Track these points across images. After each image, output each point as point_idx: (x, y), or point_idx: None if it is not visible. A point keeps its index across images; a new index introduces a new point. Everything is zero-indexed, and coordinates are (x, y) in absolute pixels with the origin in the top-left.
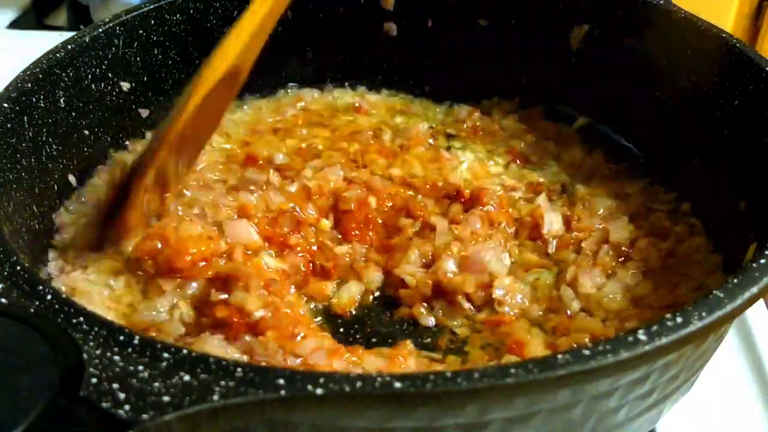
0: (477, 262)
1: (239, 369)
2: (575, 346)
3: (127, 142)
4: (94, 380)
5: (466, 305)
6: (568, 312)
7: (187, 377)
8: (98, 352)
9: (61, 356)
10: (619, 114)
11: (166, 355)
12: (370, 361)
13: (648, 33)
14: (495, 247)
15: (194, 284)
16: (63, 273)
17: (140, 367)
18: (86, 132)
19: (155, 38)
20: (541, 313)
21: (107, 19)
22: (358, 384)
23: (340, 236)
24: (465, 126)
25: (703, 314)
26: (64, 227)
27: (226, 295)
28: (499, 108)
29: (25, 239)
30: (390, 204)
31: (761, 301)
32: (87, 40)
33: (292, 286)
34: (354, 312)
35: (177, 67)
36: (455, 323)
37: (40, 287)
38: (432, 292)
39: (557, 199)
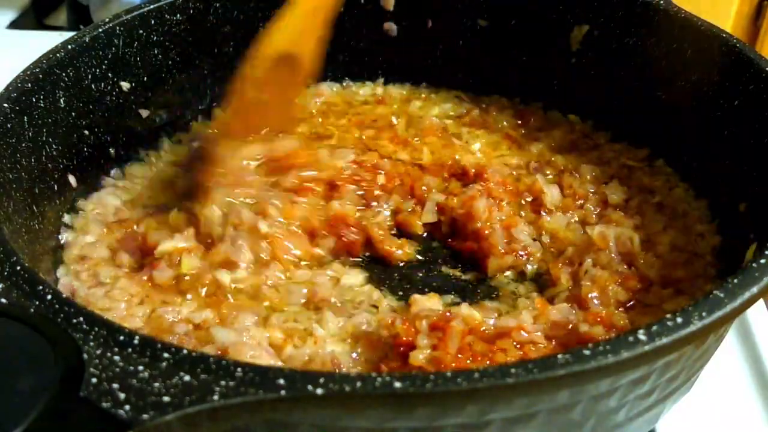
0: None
1: (239, 369)
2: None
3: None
4: (94, 380)
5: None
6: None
7: (187, 377)
8: (98, 352)
9: (61, 356)
10: (619, 114)
11: (166, 355)
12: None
13: (648, 33)
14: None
15: None
16: (74, 293)
17: (140, 367)
18: (86, 132)
19: (155, 38)
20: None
21: (107, 19)
22: (358, 384)
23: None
24: (464, 120)
25: (703, 314)
26: (69, 245)
27: None
28: (498, 106)
29: (25, 239)
30: (399, 183)
31: (761, 301)
32: (87, 40)
33: None
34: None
35: (177, 67)
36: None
37: (40, 287)
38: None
39: (549, 173)
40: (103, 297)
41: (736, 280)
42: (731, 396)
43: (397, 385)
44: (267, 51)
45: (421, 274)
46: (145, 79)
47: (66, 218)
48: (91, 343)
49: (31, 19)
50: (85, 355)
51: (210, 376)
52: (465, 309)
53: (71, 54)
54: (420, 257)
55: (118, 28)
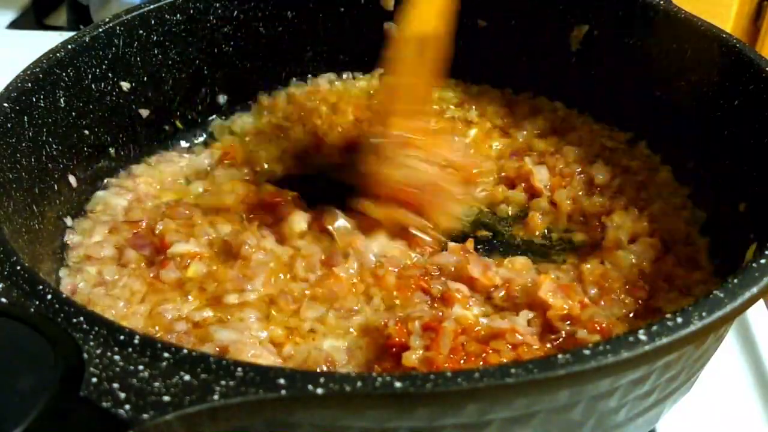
0: None
1: (239, 369)
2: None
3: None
4: (94, 380)
5: None
6: None
7: (187, 377)
8: (98, 351)
9: (61, 356)
10: (619, 114)
11: (166, 354)
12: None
13: (648, 33)
14: None
15: None
16: (75, 292)
17: (140, 367)
18: (86, 132)
19: (155, 38)
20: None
21: (107, 19)
22: (358, 384)
23: None
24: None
25: (703, 314)
26: (74, 246)
27: None
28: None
29: (25, 239)
30: None
31: (761, 301)
32: (87, 40)
33: None
34: None
35: (177, 67)
36: None
37: (40, 287)
38: None
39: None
40: (104, 296)
41: (736, 280)
42: (731, 396)
43: (397, 385)
44: (409, 33)
45: None
46: (145, 79)
47: (69, 221)
48: (91, 343)
49: (31, 19)
50: (85, 355)
51: (210, 375)
52: (458, 310)
53: (71, 54)
54: None
55: (118, 28)
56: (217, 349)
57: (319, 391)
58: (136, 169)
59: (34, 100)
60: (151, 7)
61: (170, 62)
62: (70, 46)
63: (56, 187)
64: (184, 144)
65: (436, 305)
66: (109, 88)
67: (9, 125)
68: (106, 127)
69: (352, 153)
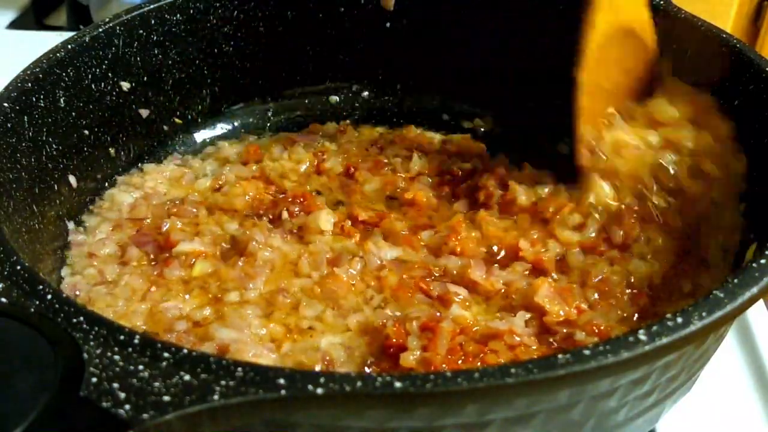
0: None
1: (239, 369)
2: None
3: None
4: (94, 380)
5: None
6: None
7: (187, 377)
8: (98, 351)
9: (61, 356)
10: None
11: (166, 354)
12: None
13: None
14: None
15: None
16: (76, 291)
17: (140, 367)
18: (86, 132)
19: (155, 38)
20: None
21: (107, 19)
22: (358, 384)
23: None
24: None
25: (703, 314)
26: (77, 244)
27: None
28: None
29: (25, 239)
30: None
31: (761, 301)
32: (87, 40)
33: None
34: None
35: (177, 67)
36: None
37: (40, 287)
38: None
39: None
40: (105, 294)
41: (736, 280)
42: (731, 396)
43: (397, 385)
44: (602, 26)
45: None
46: (145, 79)
47: (80, 237)
48: (91, 343)
49: (31, 19)
50: (85, 355)
51: (210, 375)
52: (456, 310)
53: (71, 54)
54: None
55: (118, 28)
56: (217, 347)
57: (319, 391)
58: (146, 166)
59: (34, 100)
60: (151, 7)
61: (170, 62)
62: (70, 46)
63: (56, 187)
64: (184, 144)
65: (434, 305)
66: (109, 88)
67: (9, 125)
68: (106, 127)
69: None
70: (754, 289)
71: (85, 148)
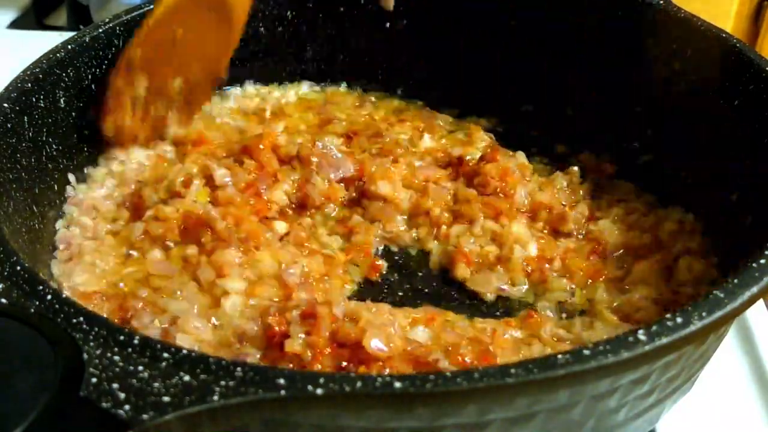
0: None
1: (239, 369)
2: None
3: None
4: (94, 380)
5: None
6: None
7: (187, 377)
8: (98, 352)
9: (61, 356)
10: (616, 114)
11: (166, 355)
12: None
13: (648, 33)
14: None
15: None
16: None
17: (140, 367)
18: (86, 132)
19: None
20: None
21: (107, 19)
22: (358, 384)
23: None
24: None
25: (703, 314)
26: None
27: None
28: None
29: (25, 239)
30: None
31: (761, 301)
32: (87, 40)
33: None
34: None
35: None
36: None
37: (40, 287)
38: None
39: None
40: (93, 251)
41: (736, 280)
42: (731, 396)
43: (397, 385)
44: None
45: None
46: None
47: (67, 234)
48: (91, 343)
49: (31, 19)
50: (85, 355)
51: (210, 376)
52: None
53: (71, 54)
54: None
55: (118, 28)
56: (169, 322)
57: (319, 391)
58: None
59: (34, 100)
60: (151, 7)
61: None
62: (70, 46)
63: (56, 187)
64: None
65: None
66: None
67: (9, 125)
68: None
69: None
70: (754, 289)
71: (85, 148)
